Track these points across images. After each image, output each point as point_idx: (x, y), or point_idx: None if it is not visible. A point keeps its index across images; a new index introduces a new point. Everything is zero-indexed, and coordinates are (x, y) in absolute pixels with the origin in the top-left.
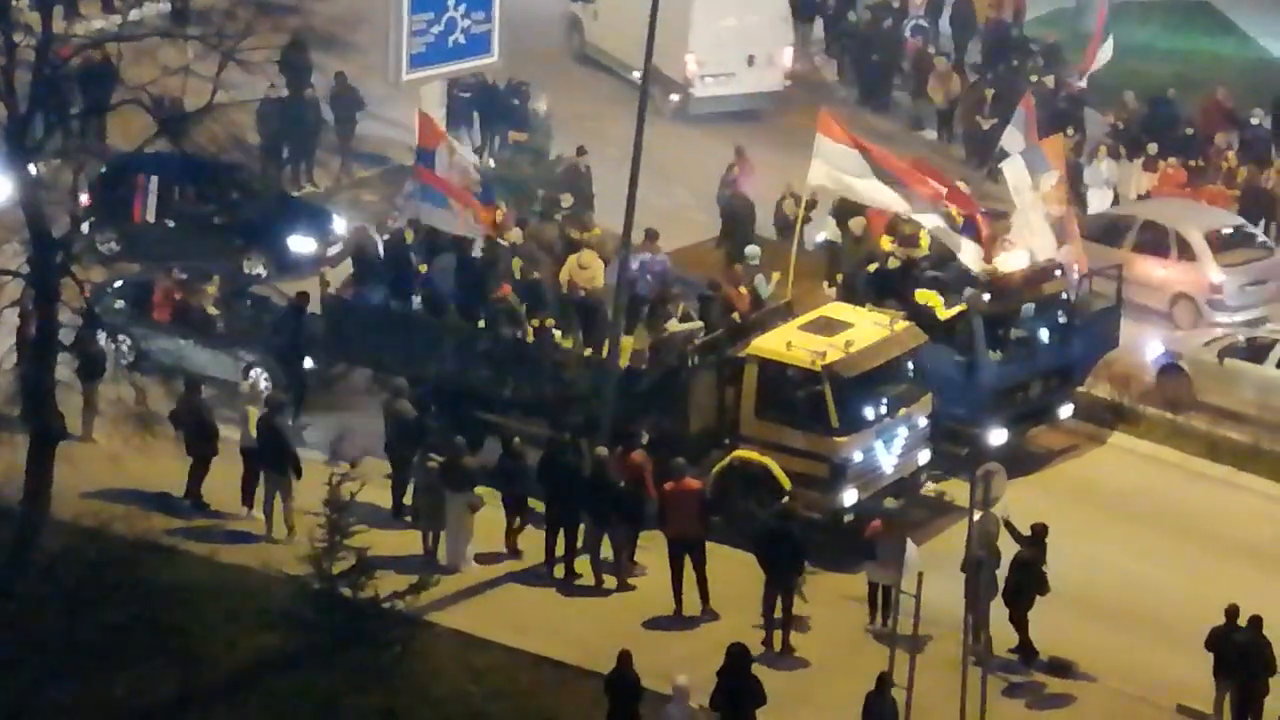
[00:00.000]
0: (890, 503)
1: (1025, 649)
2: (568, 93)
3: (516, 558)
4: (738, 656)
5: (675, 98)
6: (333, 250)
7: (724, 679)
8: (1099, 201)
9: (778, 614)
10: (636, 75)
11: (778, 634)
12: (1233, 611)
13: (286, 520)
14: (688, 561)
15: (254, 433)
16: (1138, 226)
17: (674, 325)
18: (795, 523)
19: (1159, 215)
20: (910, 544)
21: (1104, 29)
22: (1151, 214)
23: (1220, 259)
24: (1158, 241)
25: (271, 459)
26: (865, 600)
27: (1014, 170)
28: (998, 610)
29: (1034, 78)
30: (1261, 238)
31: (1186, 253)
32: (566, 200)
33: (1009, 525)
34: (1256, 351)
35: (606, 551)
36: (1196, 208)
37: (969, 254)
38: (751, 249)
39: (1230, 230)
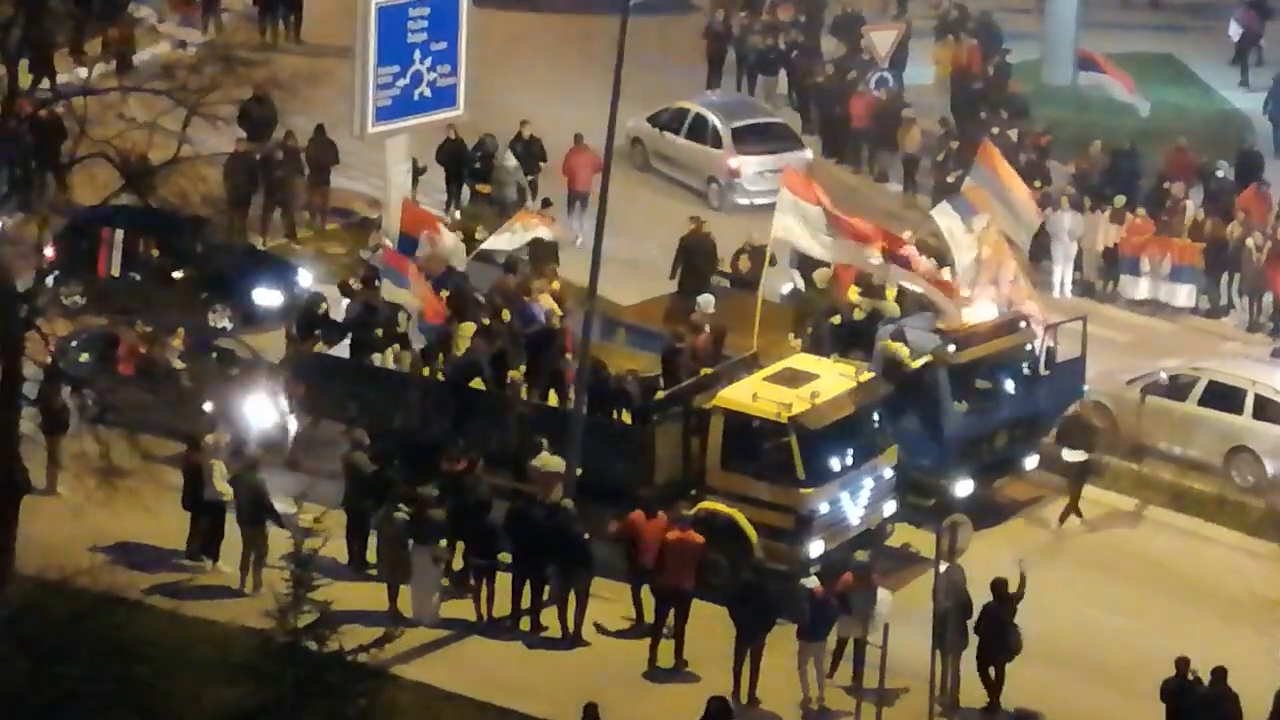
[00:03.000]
0: (860, 555)
1: (991, 705)
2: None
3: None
4: (719, 713)
5: None
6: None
7: None
8: (1062, 254)
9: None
10: None
11: (745, 686)
12: (1183, 663)
13: (256, 576)
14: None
15: (220, 487)
16: (690, 119)
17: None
18: (767, 578)
19: (707, 109)
20: (883, 594)
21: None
22: (698, 109)
23: (741, 148)
24: (700, 130)
25: (250, 516)
26: (829, 651)
27: (944, 215)
28: (966, 662)
29: (996, 130)
30: (786, 129)
31: (718, 141)
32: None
33: (1022, 579)
34: (1178, 389)
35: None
36: (735, 103)
37: (942, 305)
38: (705, 298)
39: (755, 123)
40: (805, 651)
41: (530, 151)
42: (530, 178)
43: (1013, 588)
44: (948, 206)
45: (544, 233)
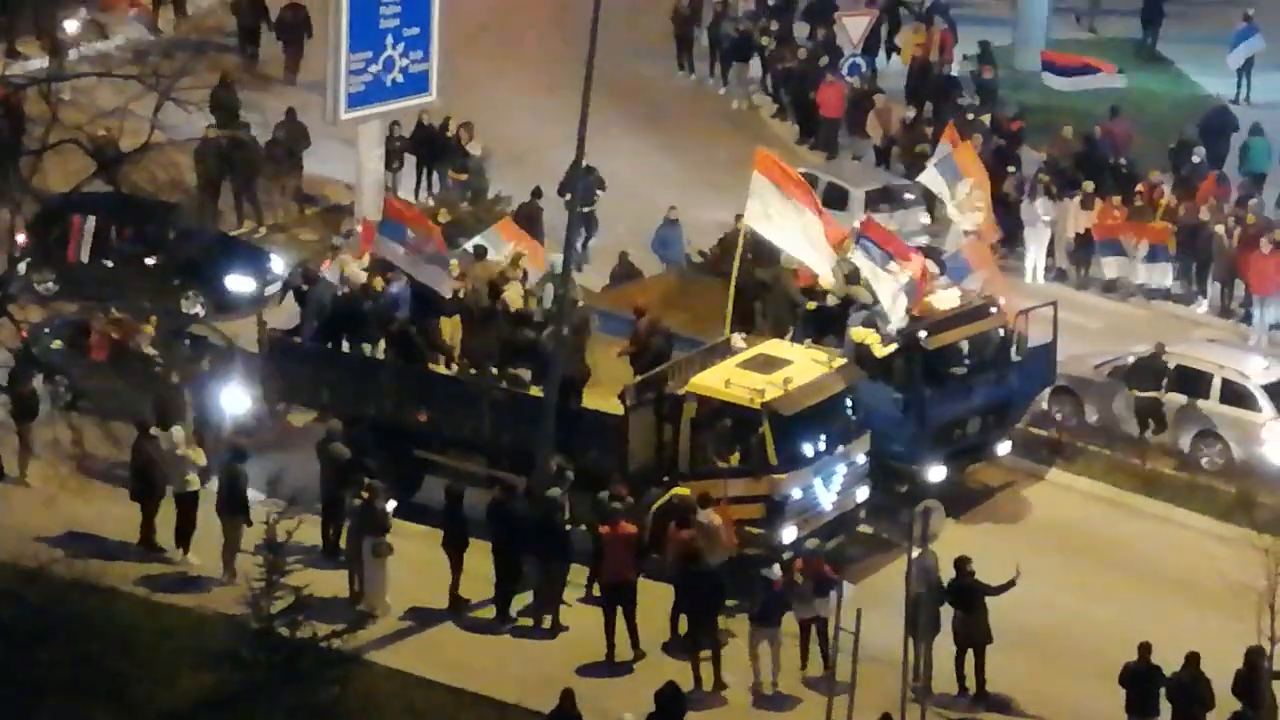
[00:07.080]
0: (813, 543)
1: (976, 692)
2: (506, 132)
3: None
4: (669, 698)
5: None
6: (270, 289)
7: None
8: (1035, 240)
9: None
10: None
11: (707, 673)
12: (1145, 648)
13: (231, 563)
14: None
15: (190, 478)
16: None
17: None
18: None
19: None
20: (845, 583)
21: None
22: None
23: None
24: None
25: (228, 505)
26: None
27: (931, 180)
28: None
29: (970, 115)
30: None
31: None
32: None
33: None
34: None
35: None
36: None
37: (891, 299)
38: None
39: None
40: (757, 636)
41: (588, 180)
42: (588, 209)
43: (996, 582)
44: (934, 172)
45: (521, 257)
